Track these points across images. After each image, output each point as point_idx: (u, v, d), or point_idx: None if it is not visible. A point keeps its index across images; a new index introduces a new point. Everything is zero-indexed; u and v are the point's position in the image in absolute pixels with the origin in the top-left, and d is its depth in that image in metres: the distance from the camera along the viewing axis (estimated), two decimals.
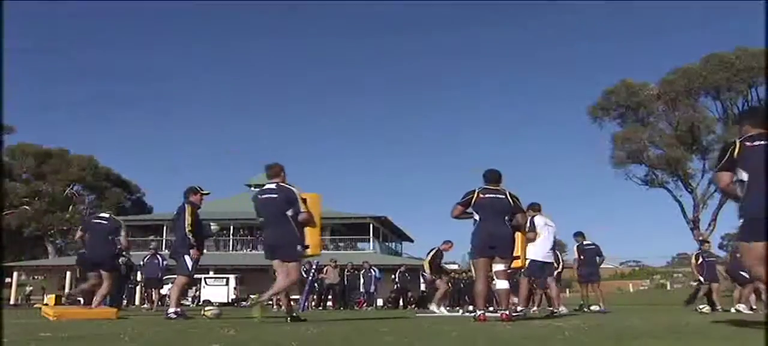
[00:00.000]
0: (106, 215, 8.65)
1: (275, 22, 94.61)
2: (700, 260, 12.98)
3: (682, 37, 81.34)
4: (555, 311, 9.07)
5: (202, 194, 7.97)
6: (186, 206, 7.65)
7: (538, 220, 8.75)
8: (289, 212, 6.20)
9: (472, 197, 6.32)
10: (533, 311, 10.14)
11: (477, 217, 6.31)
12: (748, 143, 4.26)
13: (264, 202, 6.38)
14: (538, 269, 8.84)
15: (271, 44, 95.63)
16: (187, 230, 7.49)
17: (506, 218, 6.35)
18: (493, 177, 6.48)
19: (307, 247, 6.40)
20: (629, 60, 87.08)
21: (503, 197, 6.36)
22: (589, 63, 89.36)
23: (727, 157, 4.41)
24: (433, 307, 11.34)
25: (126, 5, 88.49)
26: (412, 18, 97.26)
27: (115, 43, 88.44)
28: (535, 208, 8.89)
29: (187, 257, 7.54)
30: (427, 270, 11.98)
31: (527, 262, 8.10)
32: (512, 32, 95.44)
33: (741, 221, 4.15)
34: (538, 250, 8.65)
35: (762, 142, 4.20)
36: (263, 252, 6.57)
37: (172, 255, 7.95)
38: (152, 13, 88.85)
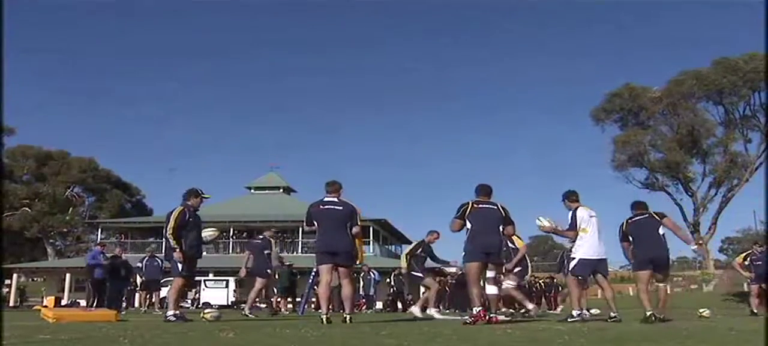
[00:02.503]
0: (262, 236, 10.39)
1: (275, 24, 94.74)
2: (749, 261, 12.47)
3: (687, 41, 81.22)
4: (613, 314, 7.47)
5: (203, 197, 7.94)
6: (177, 208, 7.61)
7: (582, 213, 7.46)
8: (348, 224, 6.87)
9: (467, 208, 6.70)
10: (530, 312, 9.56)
11: (469, 225, 6.64)
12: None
13: (326, 212, 6.92)
14: (589, 267, 7.56)
15: (270, 46, 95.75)
16: (168, 233, 7.46)
17: (499, 227, 6.72)
18: (484, 190, 6.91)
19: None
20: (632, 64, 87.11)
21: (495, 207, 6.78)
22: (591, 66, 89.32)
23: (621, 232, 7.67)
24: (417, 309, 9.59)
25: (127, 5, 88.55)
26: (411, 21, 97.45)
27: (116, 43, 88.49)
28: (573, 198, 7.62)
29: (176, 259, 7.52)
30: (404, 265, 9.93)
31: (575, 261, 7.47)
32: (513, 34, 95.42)
33: (634, 260, 7.56)
34: (588, 246, 7.43)
35: (642, 217, 7.58)
36: (317, 256, 7.04)
37: (166, 257, 7.94)
38: (153, 13, 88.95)
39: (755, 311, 11.55)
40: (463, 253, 6.75)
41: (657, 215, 7.51)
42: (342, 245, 6.84)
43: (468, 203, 6.72)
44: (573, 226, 7.41)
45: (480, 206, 6.73)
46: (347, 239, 6.88)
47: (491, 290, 6.75)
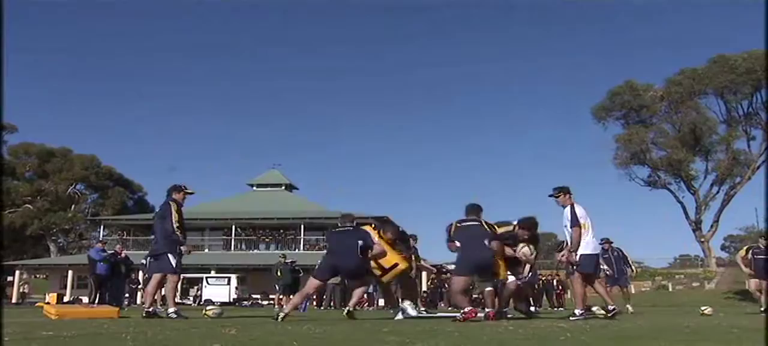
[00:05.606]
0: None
1: (277, 23, 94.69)
2: (751, 254, 12.16)
3: (688, 39, 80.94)
4: (611, 307, 7.42)
5: (186, 193, 7.96)
6: (170, 203, 7.65)
7: (580, 209, 7.36)
8: (360, 243, 7.25)
9: (452, 228, 7.09)
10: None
11: (458, 244, 6.98)
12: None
13: (342, 234, 7.51)
14: (593, 263, 7.48)
15: (272, 45, 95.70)
16: (175, 227, 7.50)
17: (485, 242, 6.89)
18: (467, 210, 7.24)
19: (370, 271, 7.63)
20: (633, 62, 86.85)
21: (478, 224, 7.04)
22: (593, 64, 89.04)
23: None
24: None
25: (129, 5, 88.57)
26: (410, 20, 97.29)
27: (118, 42, 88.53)
28: (569, 193, 7.44)
29: (170, 256, 7.53)
30: None
31: (578, 257, 7.26)
32: (512, 34, 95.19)
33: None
34: (589, 241, 7.35)
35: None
36: (323, 271, 7.55)
37: (153, 254, 7.91)
38: (155, 12, 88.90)
39: (762, 307, 11.37)
40: (455, 264, 7.16)
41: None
42: (345, 263, 7.30)
43: (451, 224, 7.11)
44: (576, 221, 7.22)
45: (462, 223, 7.07)
46: (354, 259, 7.22)
47: (487, 288, 7.08)
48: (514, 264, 7.55)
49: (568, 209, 7.32)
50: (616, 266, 13.51)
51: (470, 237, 6.91)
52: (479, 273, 7.04)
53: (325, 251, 7.81)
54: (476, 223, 7.04)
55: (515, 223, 7.52)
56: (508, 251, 7.39)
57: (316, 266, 7.70)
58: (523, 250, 7.33)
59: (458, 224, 7.06)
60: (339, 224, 7.69)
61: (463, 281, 6.95)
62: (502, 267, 7.26)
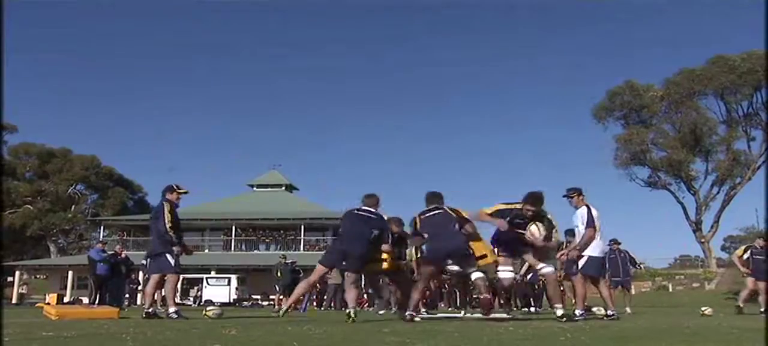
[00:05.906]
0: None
1: (277, 23, 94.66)
2: (749, 254, 11.96)
3: (688, 39, 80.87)
4: (611, 312, 7.38)
5: (180, 192, 7.95)
6: (164, 204, 7.66)
7: (595, 212, 7.27)
8: (375, 232, 6.85)
9: (416, 221, 6.84)
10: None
11: (426, 235, 6.77)
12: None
13: (360, 218, 6.91)
14: (599, 266, 7.49)
15: (272, 45, 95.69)
16: (167, 228, 7.50)
17: (454, 228, 6.64)
18: (428, 199, 6.95)
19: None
20: (633, 62, 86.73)
21: (441, 211, 6.78)
22: (593, 64, 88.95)
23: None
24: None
25: (129, 5, 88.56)
26: (410, 20, 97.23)
27: (119, 43, 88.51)
28: (582, 194, 7.39)
29: (168, 256, 7.54)
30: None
31: (584, 259, 7.22)
32: (514, 35, 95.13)
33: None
34: (597, 243, 7.30)
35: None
36: (331, 256, 7.18)
37: (151, 255, 7.92)
38: (155, 12, 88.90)
39: (741, 305, 11.36)
40: (424, 255, 7.02)
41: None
42: (354, 249, 6.75)
43: (414, 218, 6.87)
44: (591, 223, 7.13)
45: (425, 214, 6.80)
46: (364, 246, 6.77)
47: (476, 274, 6.70)
48: (531, 250, 6.96)
49: (583, 209, 7.28)
50: (622, 267, 13.64)
51: (436, 226, 6.66)
52: (457, 261, 6.67)
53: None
54: (440, 211, 6.76)
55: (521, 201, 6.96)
56: (493, 223, 6.83)
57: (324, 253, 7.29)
58: (531, 229, 6.71)
59: (421, 216, 6.80)
60: (363, 201, 7.08)
61: (430, 271, 6.89)
62: (488, 251, 6.92)
